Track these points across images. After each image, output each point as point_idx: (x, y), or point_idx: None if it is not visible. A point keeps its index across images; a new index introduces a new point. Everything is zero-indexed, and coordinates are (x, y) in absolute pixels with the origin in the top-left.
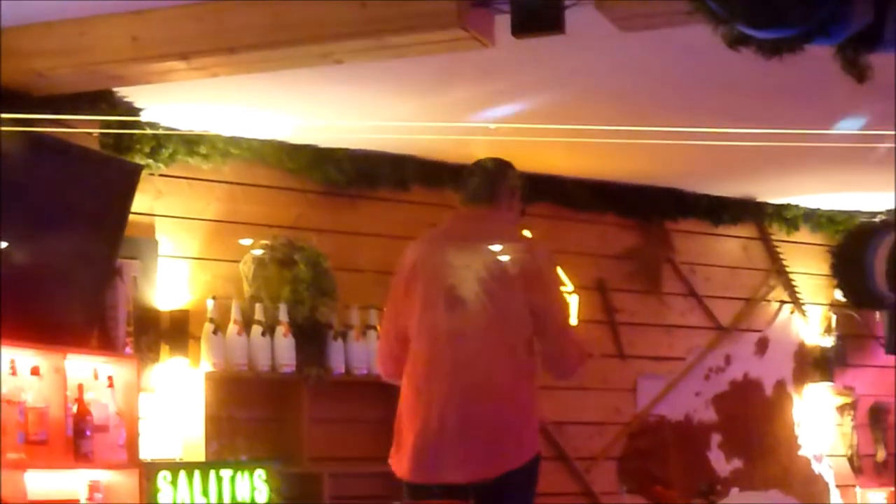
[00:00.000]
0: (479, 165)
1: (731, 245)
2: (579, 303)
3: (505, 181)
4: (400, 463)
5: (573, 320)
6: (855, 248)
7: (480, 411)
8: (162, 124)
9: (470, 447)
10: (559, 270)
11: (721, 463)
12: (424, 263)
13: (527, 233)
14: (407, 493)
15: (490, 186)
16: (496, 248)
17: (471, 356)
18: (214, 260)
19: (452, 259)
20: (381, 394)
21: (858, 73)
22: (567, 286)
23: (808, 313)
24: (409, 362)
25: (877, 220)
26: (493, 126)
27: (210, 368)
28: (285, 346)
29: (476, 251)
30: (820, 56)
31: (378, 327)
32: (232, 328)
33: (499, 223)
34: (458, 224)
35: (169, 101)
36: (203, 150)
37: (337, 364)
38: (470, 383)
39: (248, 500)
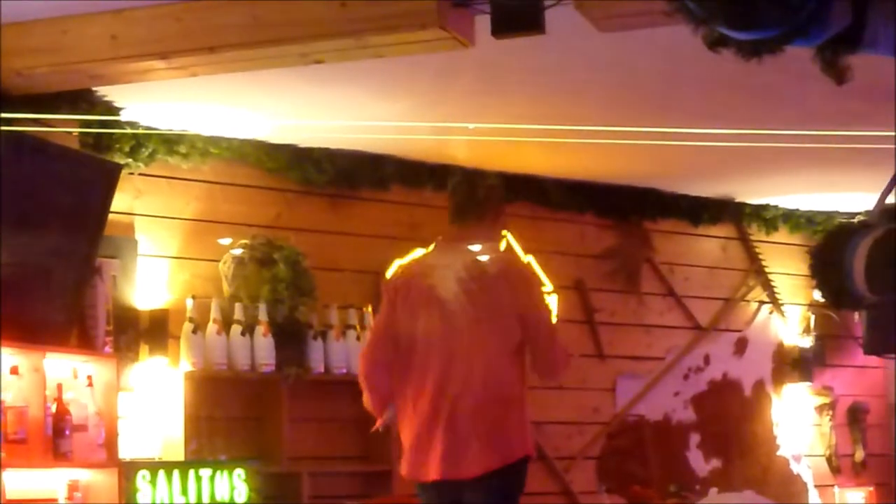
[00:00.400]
0: (463, 182)
1: (711, 245)
2: (558, 303)
3: (488, 197)
4: (404, 464)
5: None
6: (833, 248)
7: (471, 415)
8: (141, 123)
9: (461, 448)
10: (541, 276)
11: (700, 463)
12: (416, 279)
13: (507, 235)
14: (418, 491)
15: (474, 203)
16: (482, 261)
17: (462, 365)
18: (194, 259)
19: (442, 275)
20: (361, 393)
21: (837, 74)
22: (547, 286)
23: (787, 313)
24: (402, 372)
25: (855, 220)
26: (471, 126)
27: (189, 368)
28: (265, 346)
29: (463, 266)
30: (799, 57)
31: (357, 327)
32: (211, 327)
33: (484, 238)
34: (446, 241)
35: (149, 101)
36: (182, 149)
37: (316, 363)
38: (461, 390)
39: (227, 500)
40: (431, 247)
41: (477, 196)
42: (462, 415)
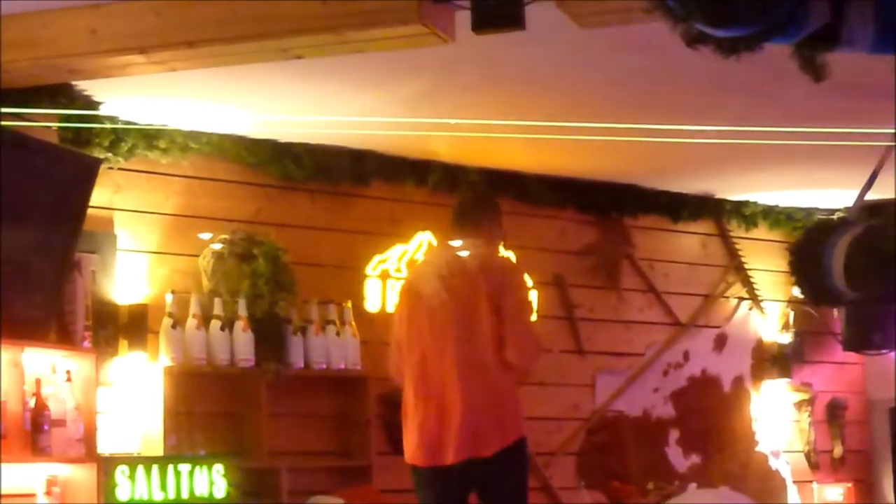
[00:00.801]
0: (465, 199)
1: (690, 241)
2: (538, 298)
3: (486, 213)
4: (406, 450)
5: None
6: (813, 245)
7: (465, 406)
8: (121, 118)
9: (459, 436)
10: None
11: (679, 459)
12: (414, 285)
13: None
14: (413, 475)
15: (472, 217)
16: (471, 265)
17: (454, 361)
18: (173, 254)
19: (434, 280)
20: (340, 388)
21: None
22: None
23: (767, 310)
24: (406, 369)
25: (835, 217)
26: (452, 122)
27: (168, 363)
28: (244, 341)
29: (445, 263)
30: (777, 55)
31: (337, 322)
32: (191, 322)
33: (477, 250)
34: (443, 252)
35: (128, 95)
36: (162, 144)
37: (296, 358)
38: (454, 383)
39: (206, 495)
40: (426, 250)
41: (477, 207)
42: (453, 405)
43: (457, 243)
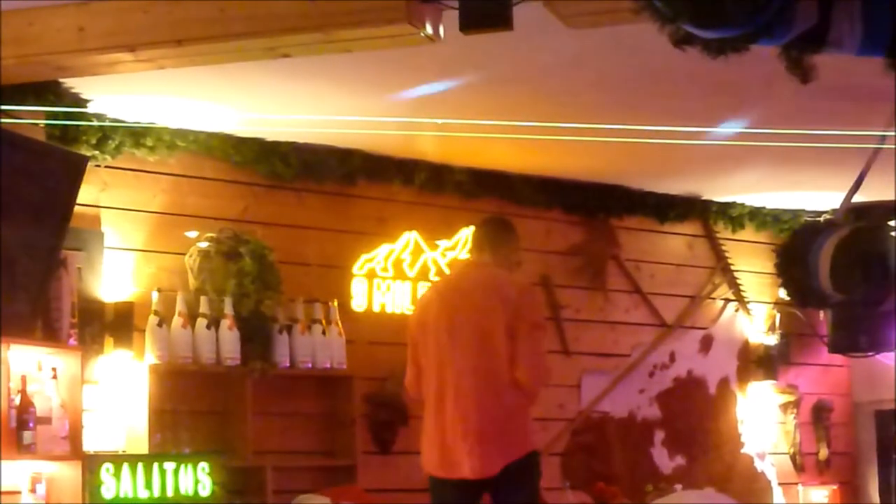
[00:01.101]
0: (485, 223)
1: (677, 242)
2: None
3: (505, 237)
4: (427, 462)
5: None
6: (799, 247)
7: (480, 423)
8: (108, 116)
9: (475, 451)
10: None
11: (664, 460)
12: (434, 302)
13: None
14: (429, 482)
15: (492, 240)
16: (489, 289)
17: (469, 377)
18: (160, 252)
19: (455, 298)
20: (326, 388)
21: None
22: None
23: (753, 311)
24: (424, 387)
25: (821, 219)
26: (440, 122)
27: (154, 361)
28: (230, 339)
29: (472, 294)
30: (765, 56)
31: (323, 321)
32: (177, 321)
33: (492, 269)
34: (460, 272)
35: (116, 93)
36: (149, 141)
37: (282, 357)
38: (470, 402)
39: (191, 493)
40: (449, 272)
41: (497, 232)
42: (468, 421)
43: (490, 289)
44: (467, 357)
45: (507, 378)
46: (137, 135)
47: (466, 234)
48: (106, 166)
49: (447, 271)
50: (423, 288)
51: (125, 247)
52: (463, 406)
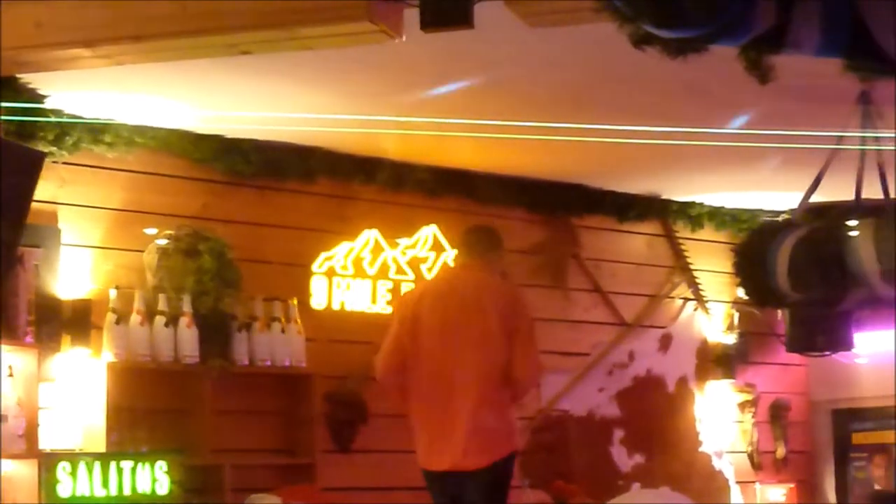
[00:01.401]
0: (473, 230)
1: (637, 242)
2: None
3: (491, 244)
4: (421, 457)
5: None
6: (758, 246)
7: (472, 418)
8: (66, 112)
9: (465, 444)
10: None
11: (623, 458)
12: (425, 300)
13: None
14: (425, 479)
15: (479, 246)
16: (480, 290)
17: (459, 374)
18: (118, 249)
19: (446, 301)
20: (285, 386)
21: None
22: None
23: (711, 310)
24: (413, 381)
25: (780, 219)
26: (401, 120)
27: (112, 359)
28: (189, 337)
29: (464, 295)
30: (724, 56)
31: (283, 319)
32: (135, 318)
33: (482, 272)
34: (452, 272)
35: (74, 89)
36: (108, 138)
37: (240, 355)
38: (462, 398)
39: (148, 492)
40: (438, 272)
41: (483, 238)
42: (457, 416)
43: (480, 290)
44: (460, 355)
45: (497, 376)
46: (96, 131)
47: (427, 232)
48: (64, 163)
49: (434, 274)
50: (382, 286)
51: (83, 244)
52: (455, 402)
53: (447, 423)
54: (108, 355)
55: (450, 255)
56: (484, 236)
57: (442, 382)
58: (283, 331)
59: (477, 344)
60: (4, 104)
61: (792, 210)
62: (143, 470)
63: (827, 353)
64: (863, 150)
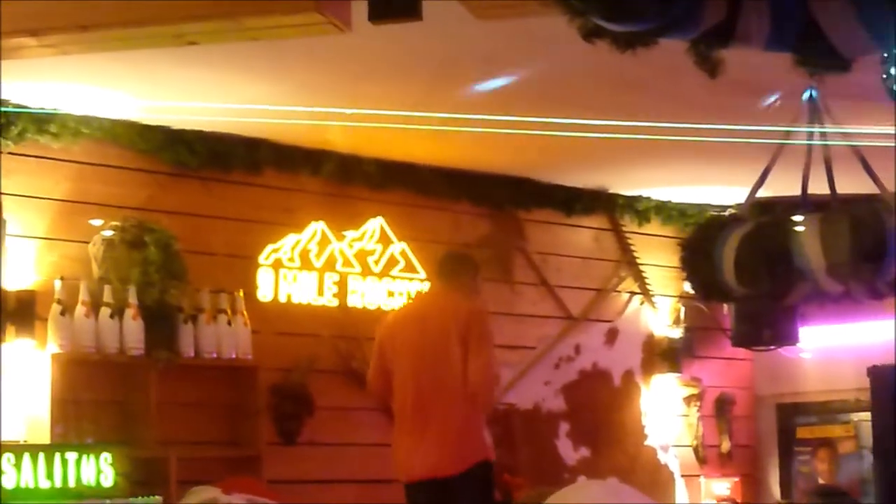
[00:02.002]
0: (449, 256)
1: (583, 236)
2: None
3: (464, 269)
4: (398, 470)
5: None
6: (704, 241)
7: (439, 429)
8: (11, 101)
9: (432, 455)
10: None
11: (569, 451)
12: (399, 322)
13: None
14: (405, 492)
15: (452, 271)
16: (444, 313)
17: (429, 394)
18: (63, 240)
19: (415, 325)
20: (231, 378)
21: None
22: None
23: (658, 305)
24: (393, 400)
25: (727, 214)
26: (349, 112)
27: (57, 350)
28: (134, 329)
29: (429, 318)
30: (673, 50)
31: (229, 311)
32: (80, 309)
33: (453, 296)
34: (422, 298)
35: (19, 79)
36: (53, 128)
37: (186, 347)
38: (429, 412)
39: (93, 484)
40: (412, 298)
41: (457, 264)
42: (427, 428)
43: (449, 313)
44: (427, 373)
45: (462, 390)
46: (41, 121)
47: (374, 225)
48: (8, 153)
49: (411, 298)
50: (329, 278)
51: (27, 234)
52: (427, 416)
53: (419, 437)
54: (52, 347)
55: (396, 247)
56: (457, 263)
57: (414, 399)
58: (229, 323)
59: (439, 361)
60: None
61: (739, 205)
62: (88, 462)
63: (772, 347)
64: (810, 145)
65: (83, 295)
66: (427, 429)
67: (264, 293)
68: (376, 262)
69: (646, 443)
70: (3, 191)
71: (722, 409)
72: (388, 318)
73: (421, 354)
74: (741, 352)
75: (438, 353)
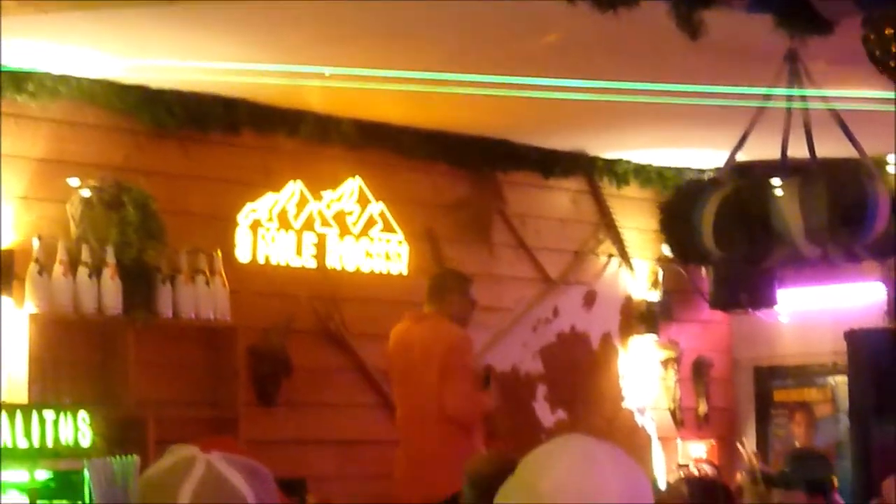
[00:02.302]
0: (438, 275)
1: (562, 198)
2: (409, 252)
3: (453, 288)
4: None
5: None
6: (683, 204)
7: (413, 459)
8: None
9: (406, 483)
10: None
11: (546, 413)
12: (392, 353)
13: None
14: None
15: (438, 291)
16: (427, 340)
17: (412, 421)
18: (41, 200)
19: (402, 352)
20: (209, 339)
21: (692, 29)
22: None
23: (636, 267)
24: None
25: (705, 177)
26: (327, 72)
27: (35, 310)
28: (112, 289)
29: (414, 347)
30: (654, 11)
31: (207, 271)
32: (58, 269)
33: (438, 322)
34: (411, 324)
35: None
36: (31, 87)
37: (164, 307)
38: (411, 439)
39: (71, 443)
40: (403, 322)
41: (446, 283)
42: (410, 452)
43: (433, 338)
44: (411, 400)
45: (441, 415)
46: (19, 80)
47: (352, 185)
48: None
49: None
50: (307, 239)
51: (5, 194)
52: (407, 442)
53: (403, 462)
54: (30, 306)
55: (375, 208)
56: (445, 281)
57: (401, 425)
58: (207, 283)
59: (421, 388)
60: None
61: (718, 168)
62: (66, 421)
63: (750, 310)
64: (789, 108)
65: (61, 254)
66: (407, 455)
67: (242, 253)
68: (354, 223)
69: (623, 405)
70: None
71: (699, 372)
72: (389, 341)
73: (406, 383)
74: (719, 315)
75: (422, 379)
